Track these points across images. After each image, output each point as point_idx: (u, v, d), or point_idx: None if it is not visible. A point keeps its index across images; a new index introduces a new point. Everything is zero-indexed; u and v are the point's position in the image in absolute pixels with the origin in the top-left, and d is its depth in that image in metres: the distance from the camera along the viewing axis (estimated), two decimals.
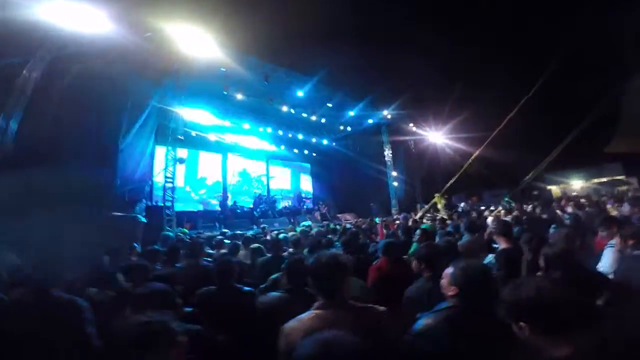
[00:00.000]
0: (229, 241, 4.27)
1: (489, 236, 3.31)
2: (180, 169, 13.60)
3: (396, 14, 11.66)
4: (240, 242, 4.07)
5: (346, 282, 1.42)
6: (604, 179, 22.89)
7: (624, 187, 17.00)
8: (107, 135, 7.41)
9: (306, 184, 18.94)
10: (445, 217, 6.60)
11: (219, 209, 12.22)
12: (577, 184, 24.84)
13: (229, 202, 13.81)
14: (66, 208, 6.48)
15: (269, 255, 3.30)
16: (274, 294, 1.91)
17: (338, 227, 7.91)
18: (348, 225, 6.68)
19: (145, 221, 7.12)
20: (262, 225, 6.97)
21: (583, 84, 13.95)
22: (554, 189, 24.94)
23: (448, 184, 10.47)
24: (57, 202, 6.31)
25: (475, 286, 1.35)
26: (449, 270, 1.47)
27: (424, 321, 1.36)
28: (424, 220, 6.77)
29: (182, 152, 13.55)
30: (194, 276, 2.52)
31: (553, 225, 3.72)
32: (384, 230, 5.35)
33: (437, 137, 15.91)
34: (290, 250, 3.49)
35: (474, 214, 7.29)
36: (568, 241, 2.36)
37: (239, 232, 8.29)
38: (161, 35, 7.92)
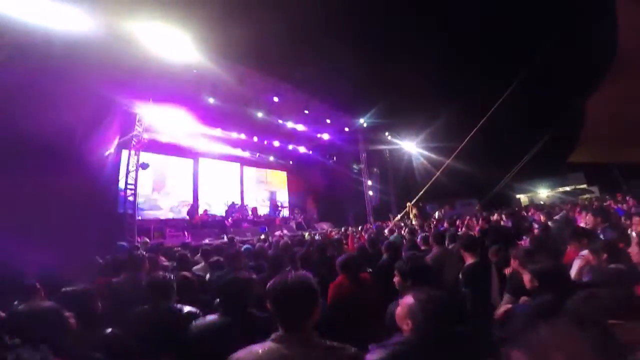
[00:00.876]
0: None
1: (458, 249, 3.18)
2: (148, 175, 12.96)
3: (373, 24, 11.78)
4: (187, 254, 3.71)
5: (314, 313, 1.16)
6: (568, 188, 24.21)
7: (586, 196, 17.94)
8: (64, 135, 6.85)
9: (282, 192, 18.60)
10: (416, 226, 6.53)
11: (187, 217, 11.66)
12: (543, 193, 26.15)
13: (200, 211, 13.25)
14: (11, 215, 5.91)
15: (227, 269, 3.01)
16: (210, 317, 1.66)
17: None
18: (318, 237, 6.38)
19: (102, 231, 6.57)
20: (229, 236, 6.48)
21: (549, 96, 14.69)
22: (522, 198, 26.10)
23: (420, 193, 10.55)
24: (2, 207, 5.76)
25: (433, 324, 1.16)
26: (408, 300, 1.27)
27: (369, 356, 1.17)
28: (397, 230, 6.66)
29: (149, 158, 12.95)
30: (128, 292, 2.22)
31: (524, 237, 3.68)
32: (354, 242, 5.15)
33: (411, 146, 16.16)
34: (251, 264, 3.21)
35: (446, 223, 7.28)
36: (533, 252, 2.25)
37: (206, 241, 7.87)
38: (131, 34, 7.52)
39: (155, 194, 13.26)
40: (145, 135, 11.86)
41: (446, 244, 3.73)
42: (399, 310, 1.28)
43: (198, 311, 1.93)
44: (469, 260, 2.63)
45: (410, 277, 1.91)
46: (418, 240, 4.04)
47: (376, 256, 3.53)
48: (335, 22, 10.83)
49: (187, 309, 1.91)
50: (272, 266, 2.77)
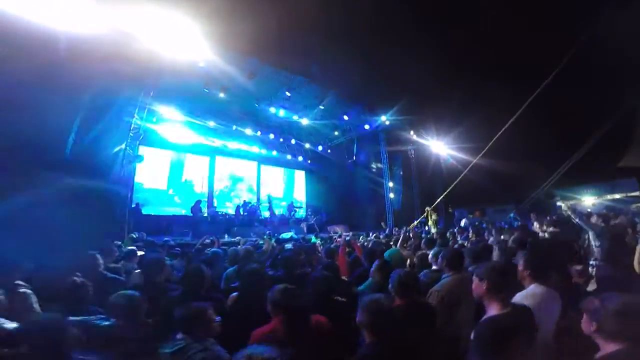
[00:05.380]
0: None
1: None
2: (164, 171, 12.89)
3: (393, 16, 10.87)
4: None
5: None
6: (617, 196, 21.50)
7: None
8: (53, 133, 6.57)
9: (300, 192, 17.99)
10: (434, 235, 5.56)
11: (191, 214, 11.35)
12: (588, 200, 23.50)
13: (215, 207, 12.98)
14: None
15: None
16: None
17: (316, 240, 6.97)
18: (288, 245, 5.36)
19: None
20: (211, 237, 5.60)
21: (594, 94, 13.00)
22: (563, 205, 23.57)
23: (440, 197, 9.50)
24: None
25: None
26: None
27: None
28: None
29: (164, 154, 12.88)
30: None
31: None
32: (346, 255, 4.11)
33: (438, 146, 14.92)
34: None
35: (472, 232, 6.24)
36: None
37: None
38: (136, 27, 7.18)
39: (170, 190, 13.15)
40: (161, 132, 11.77)
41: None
42: None
43: None
44: (493, 309, 1.46)
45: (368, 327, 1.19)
46: (430, 257, 3.16)
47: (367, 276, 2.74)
48: (353, 10, 10.05)
49: None
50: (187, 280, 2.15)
